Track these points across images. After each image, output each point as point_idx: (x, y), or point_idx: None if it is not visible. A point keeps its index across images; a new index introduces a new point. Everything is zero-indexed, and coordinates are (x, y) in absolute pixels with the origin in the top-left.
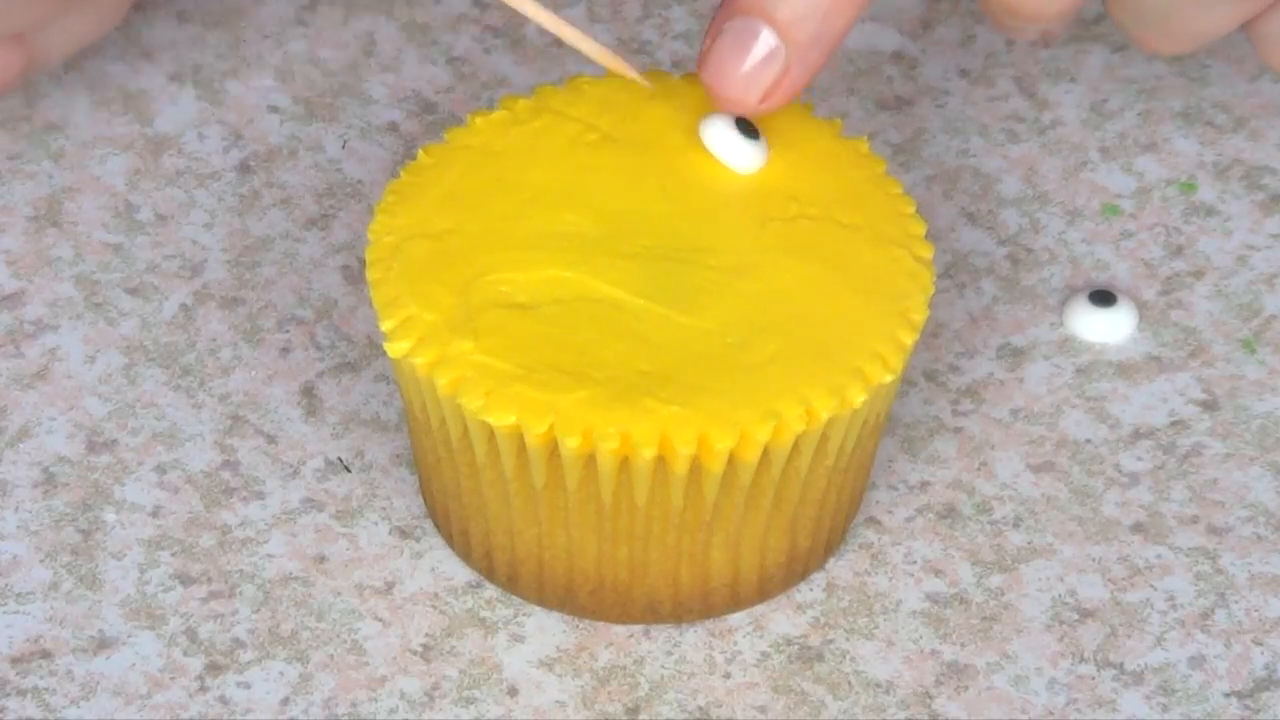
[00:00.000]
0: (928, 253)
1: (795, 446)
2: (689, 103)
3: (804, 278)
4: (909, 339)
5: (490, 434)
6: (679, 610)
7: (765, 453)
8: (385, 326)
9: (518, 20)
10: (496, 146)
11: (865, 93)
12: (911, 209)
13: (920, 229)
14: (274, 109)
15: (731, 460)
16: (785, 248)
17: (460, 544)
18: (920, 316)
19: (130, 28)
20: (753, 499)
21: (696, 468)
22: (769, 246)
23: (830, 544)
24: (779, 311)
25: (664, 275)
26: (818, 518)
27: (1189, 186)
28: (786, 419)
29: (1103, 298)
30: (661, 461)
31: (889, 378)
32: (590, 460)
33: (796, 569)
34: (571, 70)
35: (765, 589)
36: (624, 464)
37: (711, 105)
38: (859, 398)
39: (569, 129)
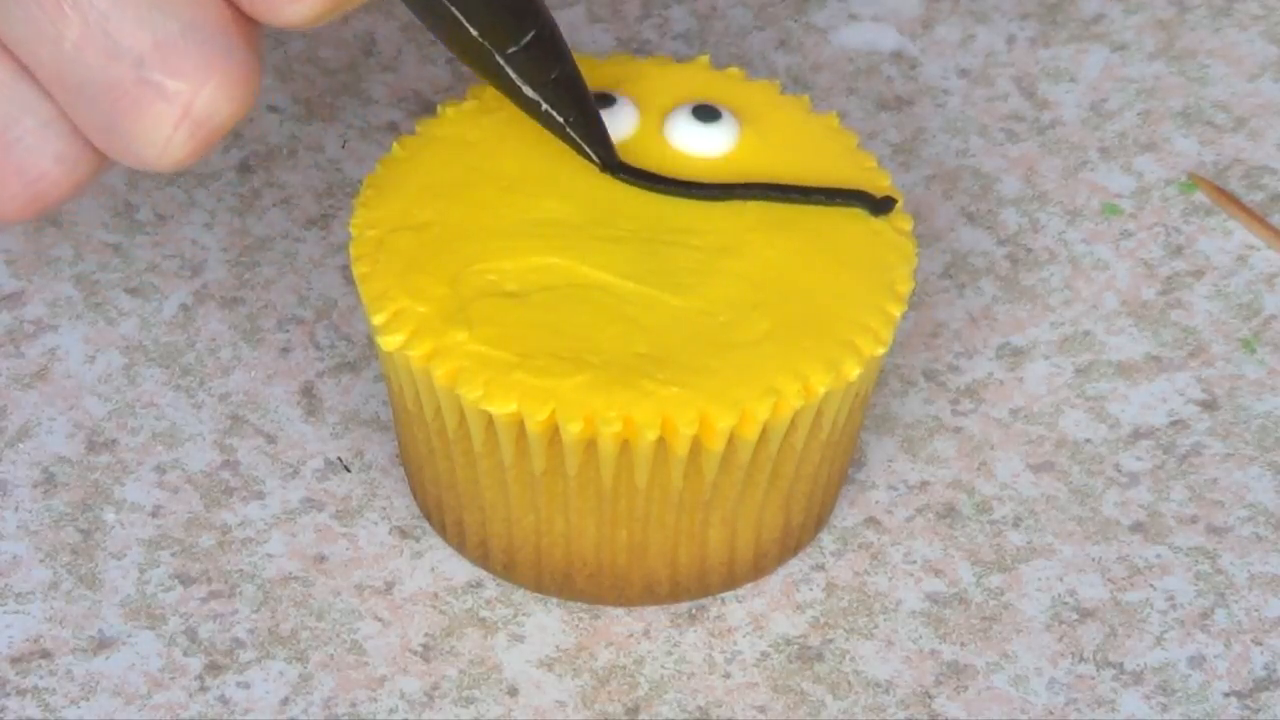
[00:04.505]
0: (907, 224)
1: (792, 423)
2: (656, 85)
3: (788, 254)
4: (896, 310)
5: (488, 423)
6: (676, 590)
7: (764, 430)
8: (377, 320)
9: None
10: (471, 136)
11: (865, 93)
12: (887, 181)
13: (898, 200)
14: (274, 109)
15: (731, 439)
16: (766, 225)
17: (454, 535)
18: (906, 288)
19: None
20: (750, 476)
21: (697, 447)
22: (750, 225)
23: (821, 518)
24: (767, 289)
25: (650, 257)
26: (810, 492)
27: (1189, 186)
28: (785, 395)
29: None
30: (662, 443)
31: (880, 350)
32: (591, 445)
33: (790, 544)
34: None
35: (760, 565)
36: (625, 447)
37: (677, 91)
38: (854, 371)
39: None
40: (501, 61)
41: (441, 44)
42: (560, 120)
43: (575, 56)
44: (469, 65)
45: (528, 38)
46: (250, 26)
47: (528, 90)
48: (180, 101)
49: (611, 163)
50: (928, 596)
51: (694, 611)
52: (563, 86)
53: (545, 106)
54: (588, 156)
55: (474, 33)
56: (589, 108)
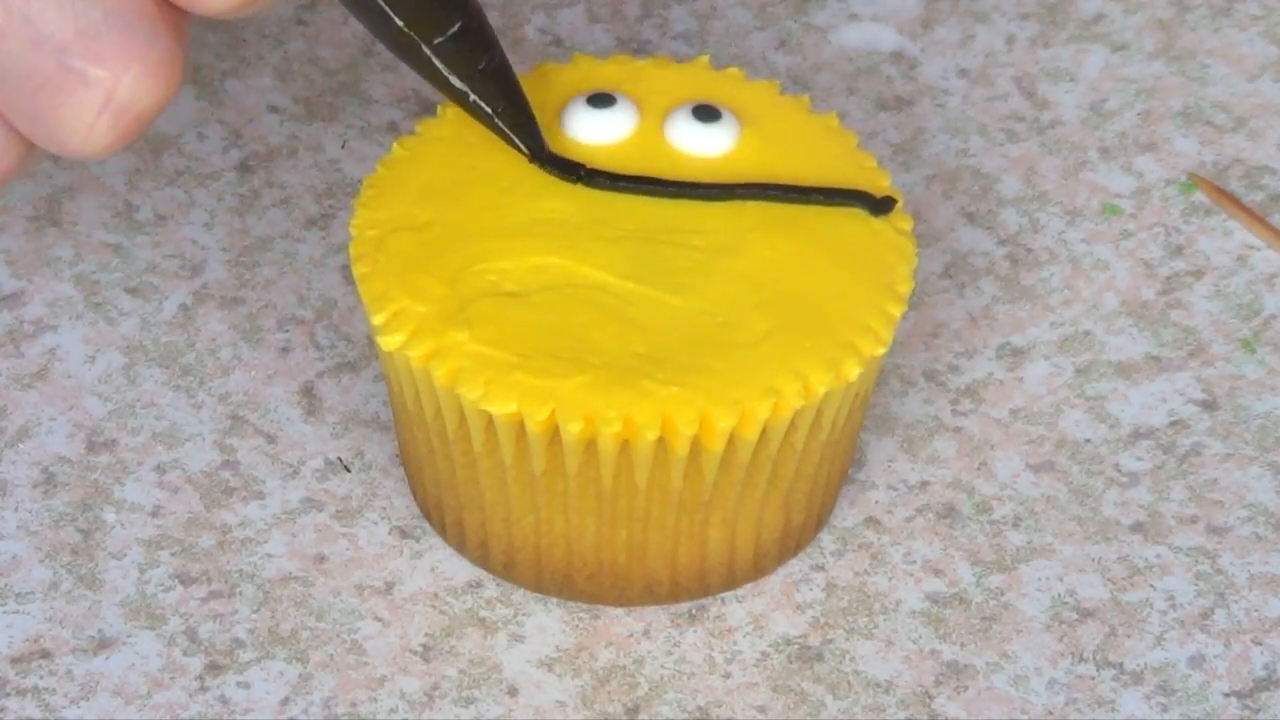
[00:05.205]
0: (907, 224)
1: (792, 423)
2: (656, 85)
3: (788, 254)
4: (897, 310)
5: (488, 423)
6: (676, 590)
7: (764, 430)
8: (377, 320)
9: (516, 20)
10: (470, 137)
11: (865, 93)
12: (887, 181)
13: (898, 200)
14: (274, 109)
15: (731, 439)
16: (767, 225)
17: (454, 535)
18: (906, 288)
19: None
20: (750, 476)
21: (696, 448)
22: (751, 225)
23: (821, 518)
24: (767, 289)
25: (650, 258)
26: (810, 492)
27: (1189, 186)
28: (785, 395)
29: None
30: (662, 443)
31: (880, 350)
32: (591, 445)
33: (790, 544)
34: None
35: (760, 565)
36: (624, 447)
37: (677, 91)
38: (854, 371)
39: (539, 116)
40: (429, 52)
41: (372, 35)
42: (489, 111)
43: (575, 56)
44: (398, 56)
45: (454, 28)
46: (175, 15)
47: (455, 81)
48: (102, 89)
49: (540, 154)
50: (928, 596)
51: (694, 611)
52: (491, 78)
53: (473, 97)
54: (517, 148)
55: (400, 23)
56: (518, 98)
